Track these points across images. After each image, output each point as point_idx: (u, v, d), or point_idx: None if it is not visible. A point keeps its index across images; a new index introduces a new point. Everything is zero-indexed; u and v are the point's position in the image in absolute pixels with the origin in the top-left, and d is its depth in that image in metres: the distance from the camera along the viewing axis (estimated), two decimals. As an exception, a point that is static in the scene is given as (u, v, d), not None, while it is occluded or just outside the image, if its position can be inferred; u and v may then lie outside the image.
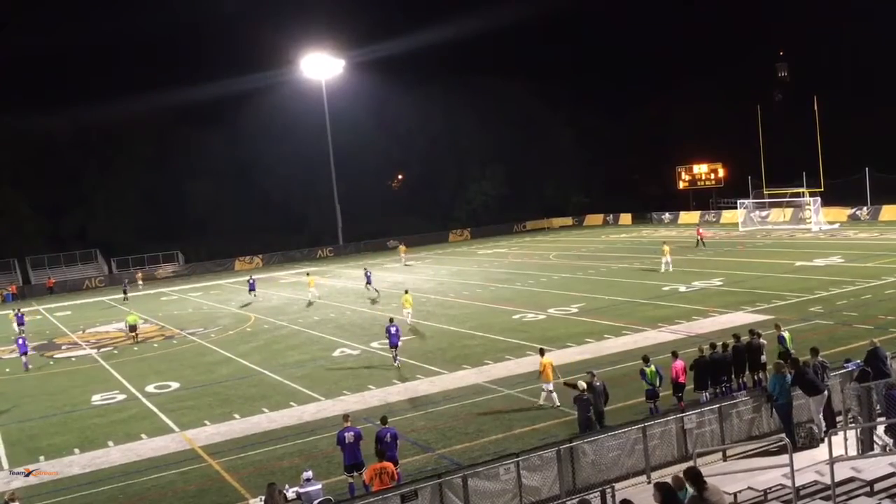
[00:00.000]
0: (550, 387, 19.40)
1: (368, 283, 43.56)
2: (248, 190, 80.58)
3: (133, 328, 35.57)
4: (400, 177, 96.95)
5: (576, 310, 32.49)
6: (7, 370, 31.33)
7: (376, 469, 13.66)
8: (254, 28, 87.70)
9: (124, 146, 78.67)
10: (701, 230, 54.16)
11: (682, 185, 79.22)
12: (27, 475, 17.44)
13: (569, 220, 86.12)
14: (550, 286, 39.88)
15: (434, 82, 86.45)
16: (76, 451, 19.59)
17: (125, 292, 53.60)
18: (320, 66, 74.36)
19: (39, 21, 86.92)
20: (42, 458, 19.22)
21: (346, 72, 76.09)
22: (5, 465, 18.99)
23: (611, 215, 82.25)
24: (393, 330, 25.45)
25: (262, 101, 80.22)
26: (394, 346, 25.39)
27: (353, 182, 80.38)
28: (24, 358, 31.08)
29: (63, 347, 35.73)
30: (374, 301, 40.99)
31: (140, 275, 64.93)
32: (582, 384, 16.48)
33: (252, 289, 45.84)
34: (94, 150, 77.87)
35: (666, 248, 41.92)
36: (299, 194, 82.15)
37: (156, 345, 34.14)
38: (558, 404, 19.09)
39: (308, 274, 47.90)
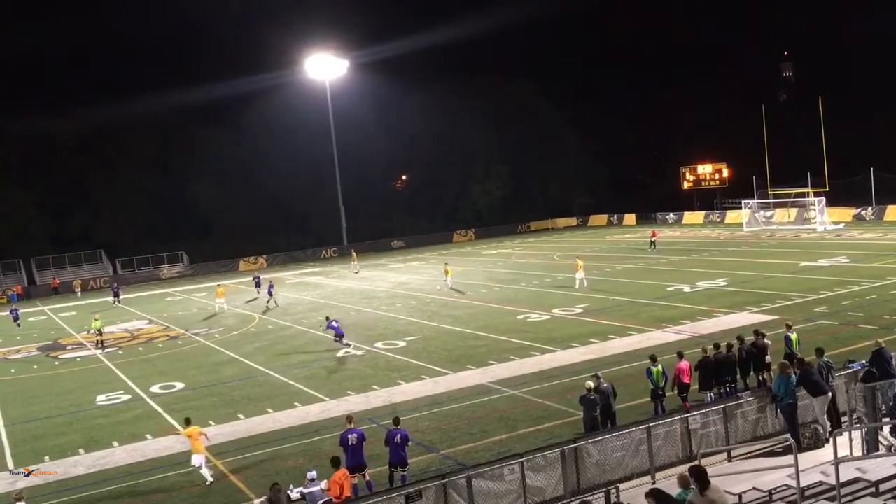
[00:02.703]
0: (201, 460, 16.73)
1: (270, 294, 43.26)
2: (253, 190, 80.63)
3: (99, 332, 35.38)
4: (404, 177, 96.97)
5: (580, 310, 32.47)
6: (12, 370, 31.40)
7: (341, 478, 13.58)
8: (258, 29, 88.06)
9: (128, 147, 78.74)
10: (656, 231, 54.83)
11: (686, 185, 79.17)
12: (27, 475, 17.37)
13: (573, 221, 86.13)
14: (555, 286, 39.85)
15: (438, 83, 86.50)
16: (81, 451, 19.61)
17: (116, 295, 52.54)
18: (324, 67, 74.44)
19: (44, 23, 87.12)
20: (47, 458, 19.26)
21: (350, 72, 76.16)
22: (11, 465, 19.02)
23: (615, 215, 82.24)
24: (335, 324, 28.93)
25: (267, 102, 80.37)
26: (340, 336, 28.63)
27: (357, 182, 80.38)
28: None
29: (68, 348, 35.78)
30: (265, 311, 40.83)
31: (78, 282, 64.41)
32: (589, 384, 16.45)
33: (258, 285, 46.69)
34: (99, 151, 77.89)
35: (579, 262, 39.52)
36: (303, 195, 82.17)
37: (160, 345, 34.18)
38: (210, 480, 16.53)
39: (220, 285, 46.80)
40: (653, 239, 52.61)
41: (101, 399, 24.94)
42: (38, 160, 74.36)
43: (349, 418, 15.95)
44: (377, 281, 50.89)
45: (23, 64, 78.92)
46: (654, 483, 13.73)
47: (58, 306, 54.44)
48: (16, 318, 43.96)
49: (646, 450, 14.39)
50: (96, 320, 36.51)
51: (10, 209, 72.21)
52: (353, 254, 62.78)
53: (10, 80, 77.86)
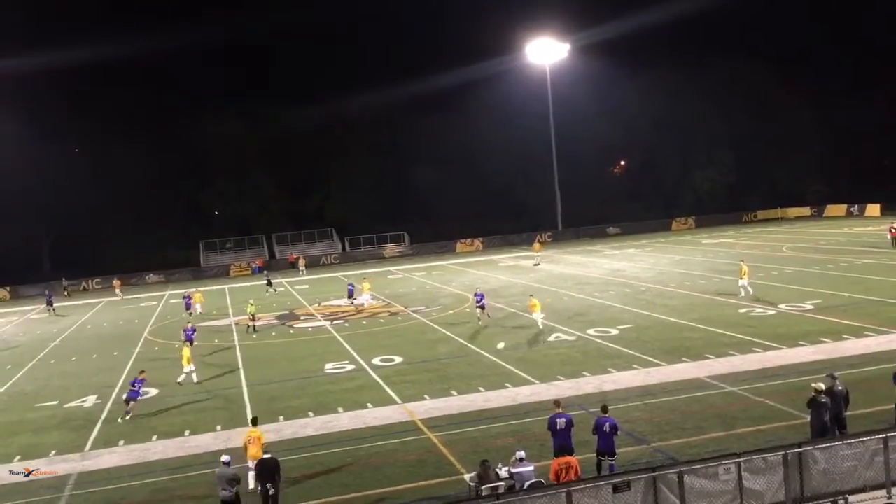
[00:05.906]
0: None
1: (350, 296, 42.30)
2: (471, 174, 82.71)
3: (252, 317, 35.88)
4: (622, 162, 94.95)
5: (810, 306, 30.20)
6: (254, 336, 34.61)
7: (561, 464, 13.57)
8: (482, 16, 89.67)
9: (360, 133, 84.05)
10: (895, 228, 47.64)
11: (943, 172, 70.74)
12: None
13: (806, 211, 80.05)
14: (782, 280, 37.35)
15: (660, 64, 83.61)
16: (311, 414, 21.26)
17: (269, 283, 51.76)
18: (545, 52, 74.53)
19: (290, 22, 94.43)
20: (281, 417, 21.09)
21: (570, 56, 75.66)
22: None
23: (855, 206, 75.34)
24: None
25: (488, 88, 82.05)
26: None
27: (574, 168, 79.98)
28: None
29: (301, 318, 38.85)
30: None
31: (118, 282, 59.42)
32: (820, 385, 15.30)
33: (350, 295, 42.77)
34: (334, 137, 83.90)
35: (744, 267, 34.37)
36: (520, 179, 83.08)
37: (382, 320, 36.16)
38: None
39: (364, 278, 45.57)
40: (893, 236, 46.62)
41: (329, 367, 26.87)
42: (282, 146, 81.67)
43: (557, 403, 16.02)
44: (591, 267, 50.40)
45: (268, 59, 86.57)
46: (890, 499, 12.61)
47: (293, 279, 59.17)
48: (188, 307, 42.41)
49: (882, 462, 13.18)
50: (251, 305, 37.08)
51: (257, 190, 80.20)
52: (536, 244, 60.61)
53: (258, 75, 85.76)
